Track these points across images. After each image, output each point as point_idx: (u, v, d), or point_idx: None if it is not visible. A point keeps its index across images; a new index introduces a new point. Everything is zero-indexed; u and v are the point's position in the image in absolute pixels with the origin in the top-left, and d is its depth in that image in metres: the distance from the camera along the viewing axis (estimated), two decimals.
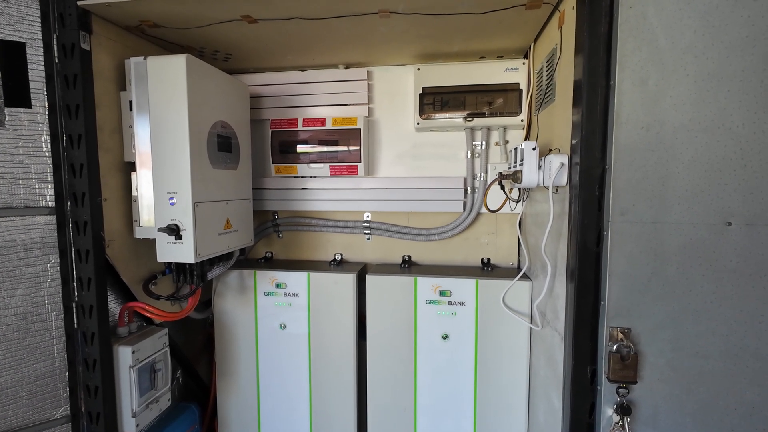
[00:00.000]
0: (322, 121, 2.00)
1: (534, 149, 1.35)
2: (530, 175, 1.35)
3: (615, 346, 1.07)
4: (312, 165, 2.02)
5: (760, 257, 1.01)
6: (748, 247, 1.02)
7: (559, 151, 1.32)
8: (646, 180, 1.05)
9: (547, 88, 1.51)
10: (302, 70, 2.05)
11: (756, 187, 1.00)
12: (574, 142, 1.18)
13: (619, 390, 1.08)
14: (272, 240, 2.22)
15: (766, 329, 1.03)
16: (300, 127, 2.02)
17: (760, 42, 0.97)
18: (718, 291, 1.04)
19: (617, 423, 1.08)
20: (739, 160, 1.01)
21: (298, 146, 2.02)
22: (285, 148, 2.04)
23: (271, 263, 2.12)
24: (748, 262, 1.02)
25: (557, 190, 1.33)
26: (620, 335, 1.08)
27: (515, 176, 1.44)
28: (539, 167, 1.35)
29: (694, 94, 1.01)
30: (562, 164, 1.23)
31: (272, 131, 2.04)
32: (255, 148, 2.02)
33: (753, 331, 1.03)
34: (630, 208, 1.06)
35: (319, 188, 2.07)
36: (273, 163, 2.05)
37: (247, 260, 2.18)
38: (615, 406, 1.08)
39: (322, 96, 2.03)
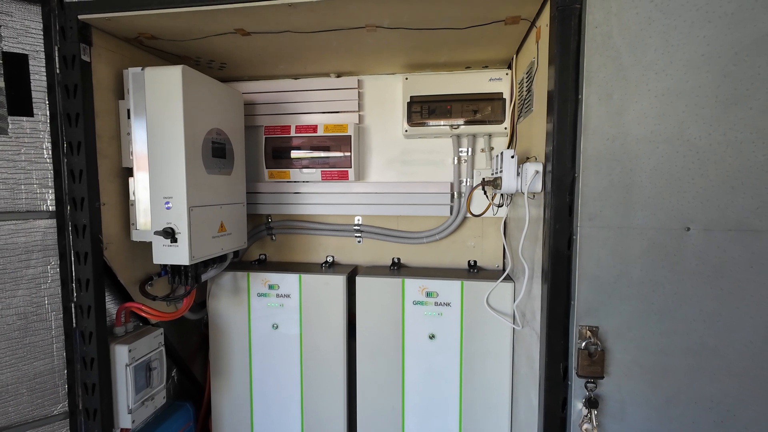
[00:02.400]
0: (314, 128, 2.07)
1: (513, 157, 1.41)
2: (509, 182, 1.42)
3: (584, 344, 1.14)
4: (304, 170, 2.09)
5: (717, 260, 1.08)
6: (706, 250, 1.09)
7: (536, 159, 1.39)
8: (612, 187, 1.12)
9: (527, 98, 1.58)
10: (295, 79, 2.12)
11: (713, 195, 1.08)
12: (547, 151, 1.25)
13: (588, 385, 1.15)
14: (266, 243, 2.28)
15: (723, 327, 1.10)
16: (293, 133, 2.08)
17: (714, 60, 1.05)
18: (679, 292, 1.11)
19: (586, 416, 1.14)
20: (697, 169, 1.08)
21: (291, 152, 2.09)
22: (278, 153, 2.11)
23: (264, 265, 2.18)
24: (706, 265, 1.09)
25: (534, 196, 1.40)
26: (589, 333, 1.15)
27: (496, 182, 1.51)
28: (518, 174, 1.42)
29: (655, 108, 1.08)
30: (537, 172, 1.30)
31: (266, 137, 2.11)
32: (249, 153, 2.09)
33: (712, 329, 1.10)
34: (597, 213, 1.14)
35: (311, 192, 2.14)
36: (266, 168, 2.12)
37: (241, 262, 2.25)
38: (584, 400, 1.15)
39: (314, 103, 2.10)
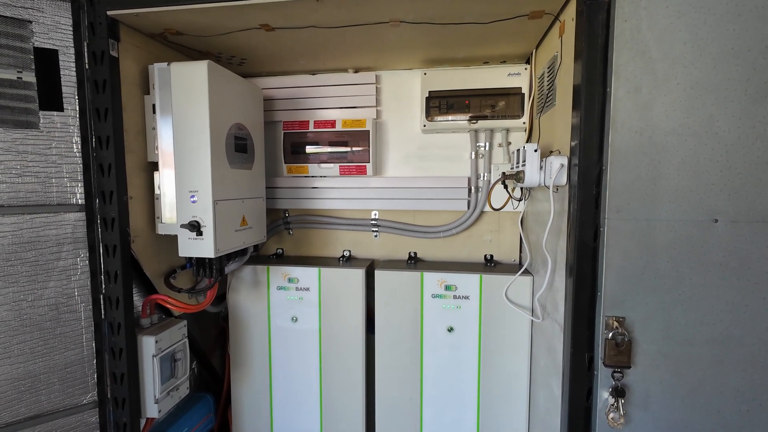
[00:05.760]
0: (333, 123, 2.08)
1: (536, 151, 1.43)
2: (532, 176, 1.44)
3: (611, 334, 1.16)
4: (322, 165, 2.11)
5: (743, 252, 1.10)
6: (733, 242, 1.10)
7: (560, 152, 1.40)
8: (640, 180, 1.13)
9: (548, 92, 1.59)
10: (313, 74, 2.14)
11: (740, 187, 1.09)
12: (573, 144, 1.27)
13: (614, 374, 1.17)
14: (283, 237, 2.31)
15: (749, 318, 1.11)
16: (311, 128, 2.10)
17: (744, 54, 1.06)
18: (706, 283, 1.13)
19: (612, 405, 1.16)
20: (725, 162, 1.09)
21: (309, 147, 2.11)
22: (296, 148, 2.13)
23: (282, 259, 2.20)
24: (733, 257, 1.11)
25: (557, 190, 1.41)
26: (615, 324, 1.16)
27: (518, 176, 1.53)
28: (540, 168, 1.43)
29: (684, 101, 1.09)
30: (562, 165, 1.31)
31: (284, 132, 2.13)
32: (268, 148, 2.11)
33: (737, 320, 1.12)
34: (625, 206, 1.15)
35: (328, 187, 2.16)
36: (285, 163, 2.14)
37: (258, 256, 2.27)
38: (610, 389, 1.17)
39: (333, 99, 2.11)
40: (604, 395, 1.19)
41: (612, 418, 1.16)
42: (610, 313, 1.17)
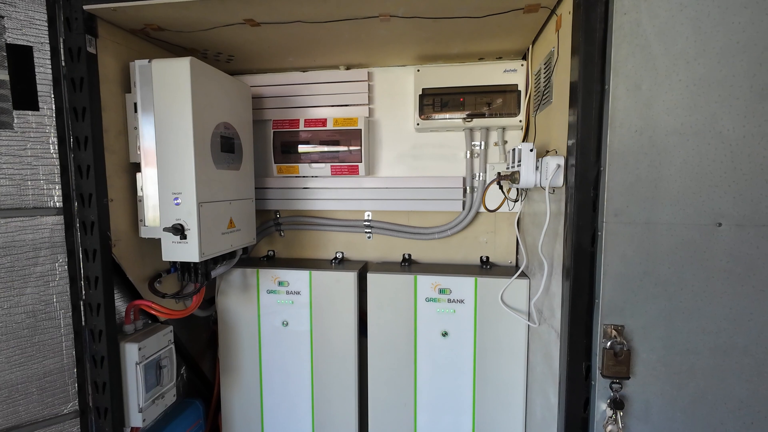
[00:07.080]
0: (324, 122, 2.02)
1: (531, 151, 1.38)
2: (528, 176, 1.38)
3: (609, 343, 1.11)
4: (313, 165, 2.05)
5: (749, 257, 1.05)
6: (737, 247, 1.05)
7: (556, 152, 1.35)
8: (639, 182, 1.08)
9: (545, 90, 1.54)
10: (303, 71, 2.08)
11: (745, 189, 1.03)
12: (570, 144, 1.21)
13: (613, 385, 1.12)
14: (274, 239, 2.25)
15: (754, 326, 1.06)
16: (301, 127, 2.05)
17: (749, 48, 1.00)
18: (709, 290, 1.07)
19: (610, 417, 1.11)
20: (729, 162, 1.04)
21: (300, 146, 2.05)
22: (287, 148, 2.07)
23: (273, 262, 2.15)
24: (737, 262, 1.05)
25: (554, 191, 1.36)
26: (614, 332, 1.11)
27: (513, 177, 1.47)
28: (537, 168, 1.38)
29: (686, 99, 1.04)
30: (559, 166, 1.26)
31: (274, 132, 2.07)
32: (257, 148, 2.05)
33: (742, 328, 1.07)
34: (624, 209, 1.10)
35: (320, 188, 2.10)
36: (275, 163, 2.08)
37: (249, 258, 2.22)
38: (608, 401, 1.12)
39: (323, 96, 2.05)
40: (602, 407, 1.14)
41: (610, 431, 1.11)
42: (608, 321, 1.12)
